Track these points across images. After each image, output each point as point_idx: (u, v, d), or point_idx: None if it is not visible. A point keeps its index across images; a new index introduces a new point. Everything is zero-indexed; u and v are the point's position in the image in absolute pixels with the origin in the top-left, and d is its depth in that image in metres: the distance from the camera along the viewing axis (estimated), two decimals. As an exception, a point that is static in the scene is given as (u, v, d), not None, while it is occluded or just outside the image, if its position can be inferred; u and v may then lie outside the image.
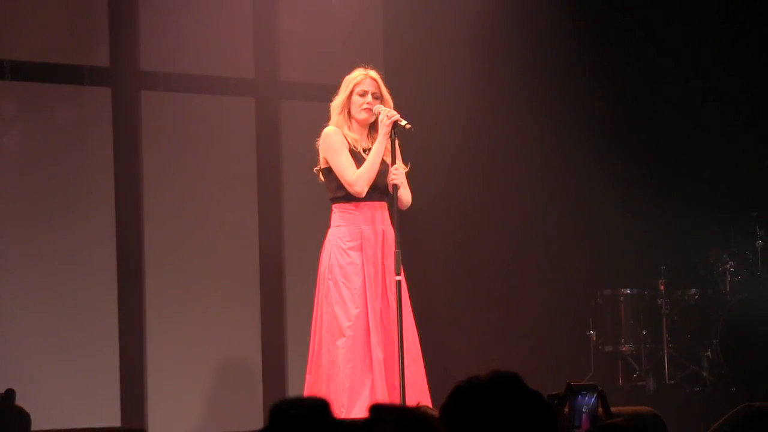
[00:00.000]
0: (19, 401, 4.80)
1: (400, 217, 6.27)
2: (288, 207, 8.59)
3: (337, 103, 6.39)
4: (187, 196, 8.23)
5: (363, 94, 6.35)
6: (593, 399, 3.01)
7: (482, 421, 2.34)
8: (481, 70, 9.28)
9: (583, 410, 3.01)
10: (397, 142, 6.28)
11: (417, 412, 1.47)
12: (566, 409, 3.03)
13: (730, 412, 3.17)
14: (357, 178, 6.24)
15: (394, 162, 6.29)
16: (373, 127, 6.38)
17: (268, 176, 8.55)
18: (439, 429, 1.50)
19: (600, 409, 2.99)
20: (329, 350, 6.16)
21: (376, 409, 1.44)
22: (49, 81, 7.85)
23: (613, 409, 3.13)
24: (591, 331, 9.41)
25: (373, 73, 6.40)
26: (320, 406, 1.37)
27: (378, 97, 6.35)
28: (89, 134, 7.96)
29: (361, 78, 6.37)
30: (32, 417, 4.72)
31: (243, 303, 8.38)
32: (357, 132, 6.37)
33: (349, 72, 6.44)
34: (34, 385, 7.52)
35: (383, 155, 6.29)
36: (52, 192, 7.81)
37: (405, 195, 6.34)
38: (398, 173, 6.27)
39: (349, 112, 6.39)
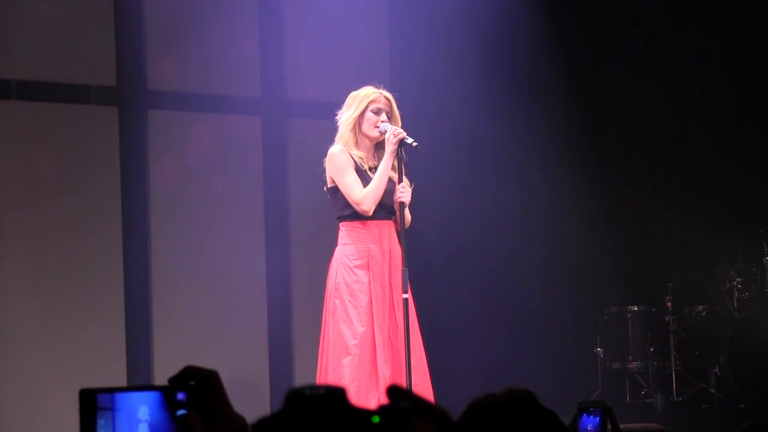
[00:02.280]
0: (27, 416, 4.78)
1: (407, 235, 6.27)
2: (295, 225, 8.60)
3: (348, 119, 6.34)
4: (194, 215, 8.24)
5: (377, 112, 6.32)
6: (598, 417, 2.99)
7: None
8: (488, 86, 9.28)
9: (588, 428, 2.99)
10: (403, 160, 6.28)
11: (432, 403, 1.48)
12: None
13: (737, 428, 3.16)
14: (364, 197, 6.23)
15: (400, 180, 6.28)
16: (379, 145, 6.38)
17: (275, 195, 8.56)
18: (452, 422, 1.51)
19: (609, 426, 2.97)
20: (335, 368, 6.16)
21: (393, 392, 1.45)
22: (56, 100, 7.87)
23: (621, 426, 3.12)
24: (598, 348, 9.39)
25: (388, 94, 6.39)
26: (337, 391, 1.38)
27: (390, 118, 6.34)
28: (96, 154, 7.98)
29: (377, 96, 6.34)
30: (38, 428, 4.68)
31: (250, 321, 8.38)
32: (364, 149, 6.36)
33: (357, 89, 6.42)
34: (41, 400, 7.52)
35: (389, 173, 6.29)
36: (59, 212, 7.82)
37: (406, 215, 6.34)
38: (405, 191, 6.27)
39: (359, 129, 6.36)
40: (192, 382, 1.67)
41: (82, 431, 1.64)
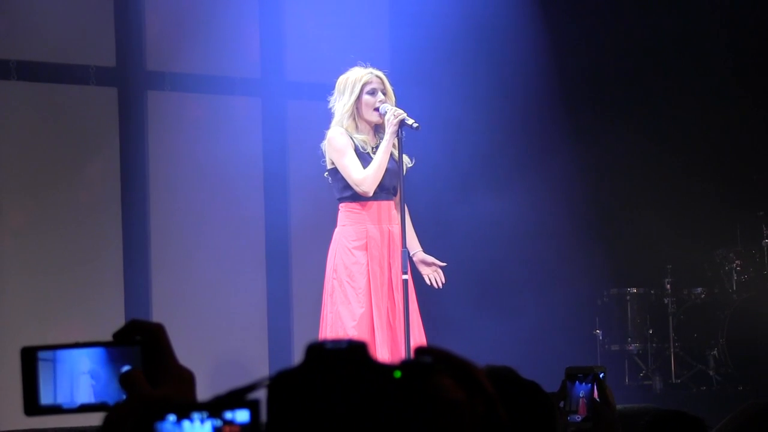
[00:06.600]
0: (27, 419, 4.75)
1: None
2: (294, 207, 8.59)
3: (345, 106, 6.30)
4: (193, 196, 8.23)
5: (373, 93, 6.28)
6: (590, 384, 3.00)
7: None
8: (487, 69, 9.27)
9: (580, 395, 3.00)
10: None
11: (459, 358, 1.47)
12: (562, 402, 3.02)
13: (737, 409, 3.17)
14: (364, 178, 6.21)
15: (401, 160, 6.26)
16: (378, 126, 6.35)
17: (274, 176, 8.55)
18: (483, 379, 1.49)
19: (595, 393, 2.98)
20: (333, 350, 6.17)
21: (419, 350, 1.43)
22: (55, 81, 7.86)
23: (618, 407, 3.13)
24: (597, 330, 9.40)
25: (378, 72, 6.35)
26: (359, 345, 1.36)
27: (385, 94, 6.32)
28: (95, 134, 7.97)
29: (369, 77, 6.31)
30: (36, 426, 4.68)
31: (249, 302, 8.38)
32: (365, 132, 6.33)
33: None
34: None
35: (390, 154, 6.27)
36: (58, 194, 7.81)
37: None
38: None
39: (358, 114, 6.32)
40: (138, 337, 1.67)
41: (24, 384, 1.65)
